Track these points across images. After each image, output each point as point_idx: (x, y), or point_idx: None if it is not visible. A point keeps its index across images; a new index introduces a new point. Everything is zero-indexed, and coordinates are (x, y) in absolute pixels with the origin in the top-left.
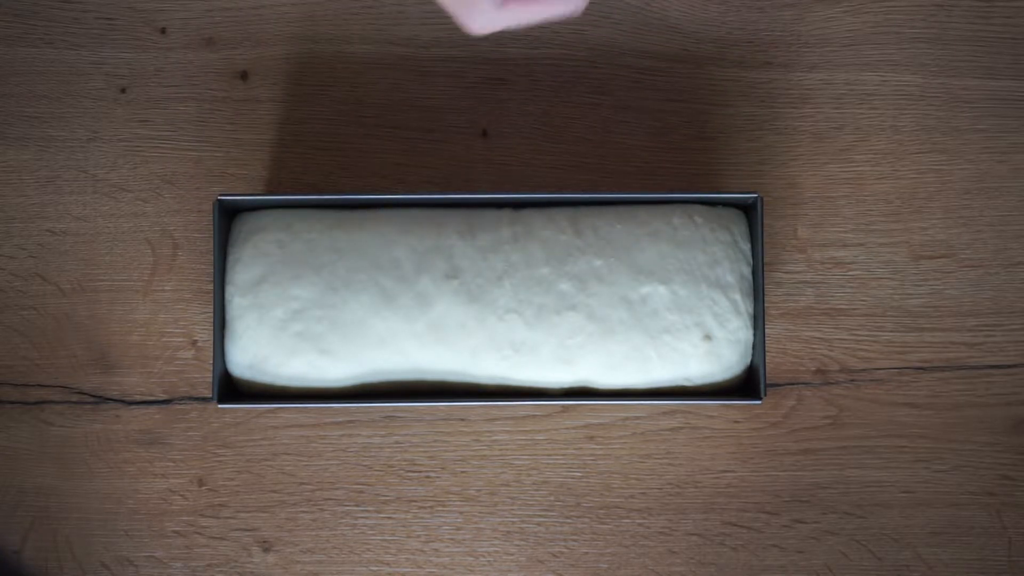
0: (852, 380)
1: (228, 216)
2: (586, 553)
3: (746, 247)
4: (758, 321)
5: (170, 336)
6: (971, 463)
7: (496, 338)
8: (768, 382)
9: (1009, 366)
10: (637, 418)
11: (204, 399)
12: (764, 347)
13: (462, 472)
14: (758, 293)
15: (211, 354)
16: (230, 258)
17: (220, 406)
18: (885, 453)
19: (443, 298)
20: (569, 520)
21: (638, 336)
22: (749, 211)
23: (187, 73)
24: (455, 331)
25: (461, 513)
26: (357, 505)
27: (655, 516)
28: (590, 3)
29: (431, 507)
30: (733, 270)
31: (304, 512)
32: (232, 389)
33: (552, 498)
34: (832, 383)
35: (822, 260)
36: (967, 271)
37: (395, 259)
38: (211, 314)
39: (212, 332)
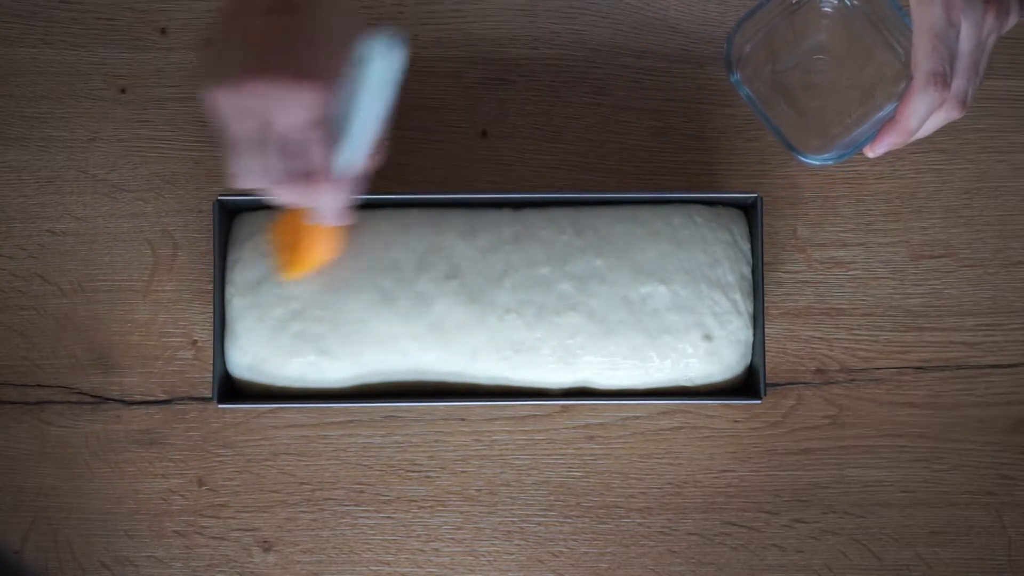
0: (852, 380)
1: (228, 216)
2: (586, 553)
3: (746, 247)
4: (758, 321)
5: (170, 336)
6: (971, 463)
7: (496, 338)
8: (768, 382)
9: (1009, 366)
10: (637, 418)
11: (204, 399)
12: (764, 347)
13: (462, 472)
14: (758, 293)
15: (211, 354)
16: (230, 258)
17: (220, 406)
18: (885, 453)
19: (443, 298)
20: (569, 520)
21: (638, 336)
22: (749, 211)
23: (187, 73)
24: (455, 331)
25: (461, 513)
26: (357, 505)
27: (655, 516)
28: (589, 3)
29: (431, 507)
30: (733, 270)
31: (304, 512)
32: (232, 389)
33: (552, 498)
34: (832, 383)
35: (822, 260)
36: (967, 271)
37: (395, 259)
38: (211, 314)
39: (212, 332)
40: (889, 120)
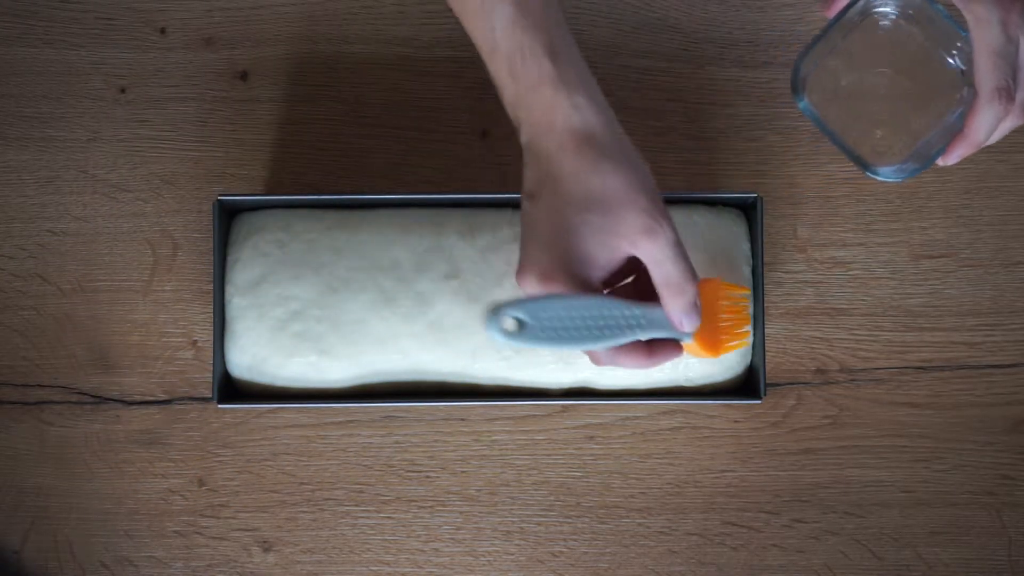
0: (852, 380)
1: (228, 216)
2: (586, 553)
3: (746, 247)
4: (758, 321)
5: (170, 336)
6: (971, 463)
7: None
8: (768, 382)
9: (1009, 366)
10: (637, 418)
11: (204, 399)
12: (764, 347)
13: (462, 472)
14: (758, 293)
15: (211, 354)
16: (230, 258)
17: (220, 406)
18: (885, 453)
19: (443, 298)
20: (569, 520)
21: None
22: (749, 211)
23: (187, 73)
24: (455, 331)
25: (461, 513)
26: (357, 505)
27: (655, 516)
28: (590, 2)
29: (431, 507)
30: (733, 270)
31: (304, 512)
32: (232, 389)
33: (552, 498)
34: (832, 383)
35: (822, 260)
36: (967, 271)
37: (395, 259)
38: (211, 314)
39: (212, 332)
40: (958, 133)
